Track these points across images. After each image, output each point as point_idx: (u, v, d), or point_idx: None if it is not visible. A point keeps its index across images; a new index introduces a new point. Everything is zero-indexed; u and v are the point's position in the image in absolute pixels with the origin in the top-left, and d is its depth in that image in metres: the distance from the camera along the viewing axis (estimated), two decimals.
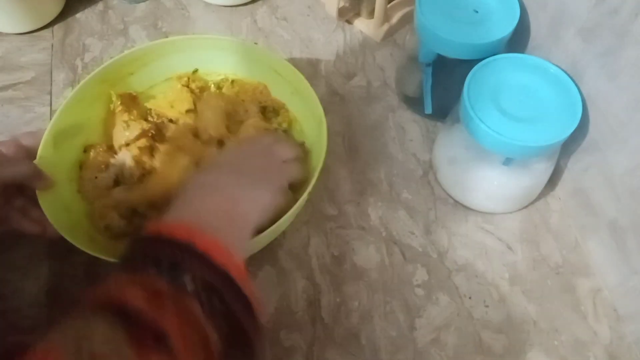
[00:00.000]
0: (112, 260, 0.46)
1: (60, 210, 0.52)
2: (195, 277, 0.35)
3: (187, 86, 0.61)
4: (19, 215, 0.52)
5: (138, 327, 0.32)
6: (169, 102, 0.60)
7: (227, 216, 0.41)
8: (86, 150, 0.58)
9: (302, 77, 0.56)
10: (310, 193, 0.51)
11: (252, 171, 0.47)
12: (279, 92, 0.61)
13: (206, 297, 0.35)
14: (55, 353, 0.31)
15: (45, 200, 0.50)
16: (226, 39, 0.62)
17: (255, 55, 0.61)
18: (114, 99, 0.58)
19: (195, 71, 0.63)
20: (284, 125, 0.60)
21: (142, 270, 0.35)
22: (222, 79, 0.63)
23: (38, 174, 0.51)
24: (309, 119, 0.58)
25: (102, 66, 0.58)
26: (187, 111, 0.60)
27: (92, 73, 0.58)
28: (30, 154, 0.52)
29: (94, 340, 0.31)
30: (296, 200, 0.50)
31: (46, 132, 0.53)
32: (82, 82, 0.57)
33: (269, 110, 0.62)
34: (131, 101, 0.60)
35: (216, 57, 0.62)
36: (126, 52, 0.60)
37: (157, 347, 0.32)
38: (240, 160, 0.48)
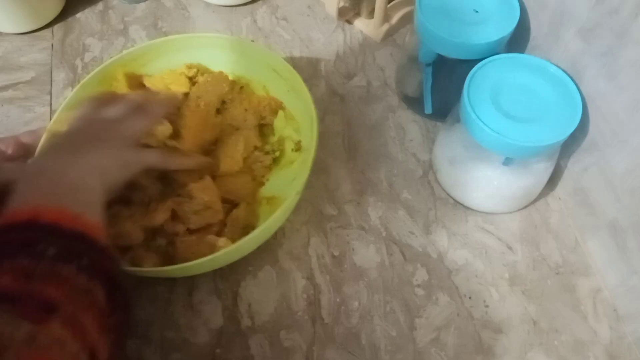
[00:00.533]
0: None
1: None
2: (50, 245, 0.36)
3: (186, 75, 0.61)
4: None
5: (21, 305, 0.32)
6: (166, 85, 0.60)
7: (62, 191, 0.41)
8: None
9: (297, 75, 0.57)
10: (301, 193, 0.51)
11: (87, 143, 0.46)
12: (276, 90, 0.62)
13: (70, 259, 0.36)
14: None
15: None
16: (223, 37, 0.62)
17: (253, 53, 0.61)
18: (119, 77, 0.58)
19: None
20: (277, 153, 0.61)
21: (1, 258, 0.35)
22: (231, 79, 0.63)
23: None
24: (305, 118, 0.58)
25: (102, 65, 0.58)
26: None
27: (93, 72, 0.58)
28: (29, 152, 0.52)
29: None
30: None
31: (46, 131, 0.53)
32: (82, 81, 0.57)
33: (267, 129, 0.62)
34: (137, 82, 0.60)
35: (215, 55, 0.62)
36: (125, 51, 0.60)
37: (52, 317, 0.33)
38: (76, 130, 0.47)
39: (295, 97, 0.59)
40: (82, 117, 0.49)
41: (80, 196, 0.41)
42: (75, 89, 0.57)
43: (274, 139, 0.62)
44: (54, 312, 0.33)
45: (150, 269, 0.51)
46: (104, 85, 0.59)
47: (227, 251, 0.49)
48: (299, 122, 0.60)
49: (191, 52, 0.62)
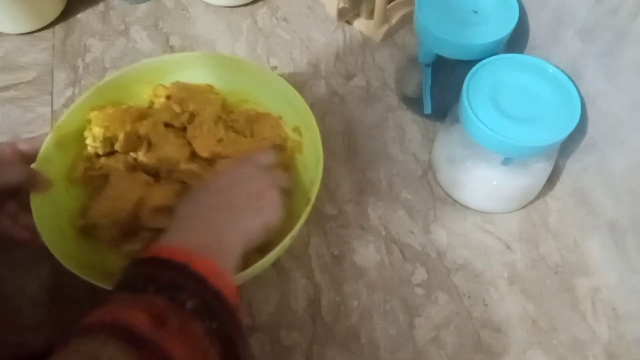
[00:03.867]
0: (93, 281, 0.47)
1: (51, 218, 0.51)
2: (192, 296, 0.37)
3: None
4: (9, 221, 0.51)
5: (144, 350, 0.33)
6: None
7: (215, 244, 0.43)
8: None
9: (310, 113, 0.55)
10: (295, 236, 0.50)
11: (234, 199, 0.47)
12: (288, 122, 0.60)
13: (204, 316, 0.37)
14: None
15: (37, 208, 0.49)
16: (242, 61, 0.61)
17: (269, 80, 0.59)
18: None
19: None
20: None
21: (142, 289, 0.37)
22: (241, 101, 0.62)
23: (32, 180, 0.50)
24: (311, 156, 0.56)
25: (122, 71, 0.57)
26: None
27: (109, 78, 0.57)
28: (26, 158, 0.52)
29: None
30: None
31: (54, 129, 0.53)
32: (98, 85, 0.56)
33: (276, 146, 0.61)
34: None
35: (235, 78, 0.60)
36: (145, 60, 0.58)
37: None
38: (228, 188, 0.48)
39: (305, 133, 0.57)
40: (228, 176, 0.50)
41: (227, 256, 0.43)
42: (87, 93, 0.55)
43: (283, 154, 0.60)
44: None
45: None
46: (118, 92, 0.58)
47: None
48: (305, 158, 0.58)
49: (208, 71, 0.60)
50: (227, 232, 0.44)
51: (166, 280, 0.37)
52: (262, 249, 0.48)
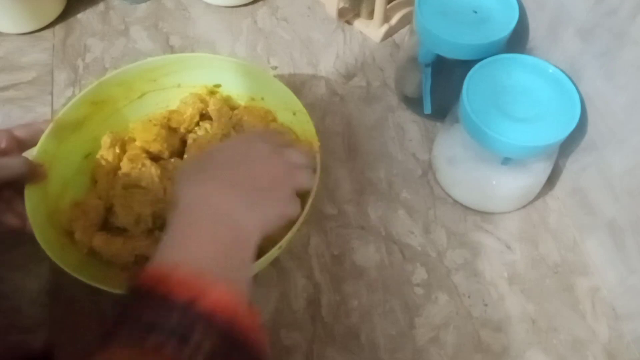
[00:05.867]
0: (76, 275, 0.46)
1: (42, 207, 0.51)
2: (202, 344, 0.31)
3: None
4: (3, 206, 0.51)
5: None
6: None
7: (229, 252, 0.37)
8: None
9: (312, 125, 0.54)
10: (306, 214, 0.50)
11: (255, 181, 0.41)
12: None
13: None
14: None
15: (30, 196, 0.50)
16: (245, 64, 0.60)
17: (269, 83, 0.59)
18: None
19: (217, 86, 0.62)
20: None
21: (144, 339, 0.31)
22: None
23: (30, 171, 0.50)
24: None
25: (125, 68, 0.57)
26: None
27: (112, 74, 0.57)
28: (23, 146, 0.52)
29: None
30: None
31: (54, 121, 0.53)
32: (100, 80, 0.56)
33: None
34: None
35: (234, 79, 0.61)
36: (150, 59, 0.58)
37: None
38: (241, 164, 0.41)
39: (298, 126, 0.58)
40: (263, 143, 0.44)
41: (239, 267, 0.37)
42: (90, 87, 0.56)
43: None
44: None
45: None
46: (120, 89, 0.58)
47: None
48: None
49: (214, 72, 0.60)
50: (243, 224, 0.37)
51: (174, 321, 0.31)
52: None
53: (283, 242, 0.47)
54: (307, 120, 0.55)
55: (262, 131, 0.54)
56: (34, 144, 0.52)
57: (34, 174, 0.50)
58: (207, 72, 0.60)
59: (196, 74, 0.60)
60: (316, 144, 0.53)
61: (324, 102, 0.68)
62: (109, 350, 0.31)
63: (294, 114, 0.57)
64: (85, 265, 0.51)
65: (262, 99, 0.61)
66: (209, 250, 0.36)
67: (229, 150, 0.44)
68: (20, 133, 0.52)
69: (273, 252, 0.47)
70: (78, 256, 0.52)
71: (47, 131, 0.52)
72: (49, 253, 0.48)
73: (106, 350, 0.31)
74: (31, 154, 0.52)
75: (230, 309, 0.33)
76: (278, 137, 0.49)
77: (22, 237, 0.55)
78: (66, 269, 0.47)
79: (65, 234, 0.53)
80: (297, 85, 0.69)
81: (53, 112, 0.67)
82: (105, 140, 0.57)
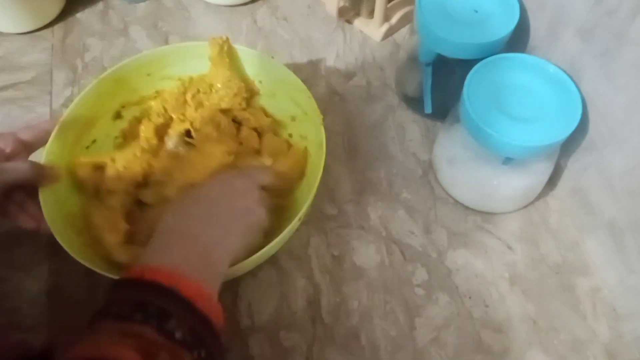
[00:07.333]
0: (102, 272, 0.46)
1: (56, 207, 0.51)
2: (181, 324, 0.36)
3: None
4: (17, 209, 0.52)
5: None
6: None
7: (203, 263, 0.42)
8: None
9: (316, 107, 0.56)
10: (304, 213, 0.51)
11: (224, 215, 0.46)
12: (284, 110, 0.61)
13: (194, 346, 0.36)
14: None
15: (45, 197, 0.50)
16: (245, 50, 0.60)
17: (272, 69, 0.60)
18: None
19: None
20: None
21: (129, 317, 0.36)
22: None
23: (39, 174, 0.50)
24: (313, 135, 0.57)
25: (120, 64, 0.58)
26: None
27: (109, 70, 0.57)
28: (29, 149, 0.52)
29: None
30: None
31: (59, 123, 0.53)
32: (99, 77, 0.56)
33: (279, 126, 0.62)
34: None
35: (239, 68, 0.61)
36: (145, 52, 0.59)
37: None
38: (219, 201, 0.47)
39: (304, 118, 0.59)
40: (220, 188, 0.49)
41: (214, 275, 0.42)
42: (90, 85, 0.56)
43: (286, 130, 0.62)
44: None
45: None
46: (118, 85, 0.58)
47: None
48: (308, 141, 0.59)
49: (206, 62, 0.60)
50: (215, 249, 0.43)
51: (154, 306, 0.36)
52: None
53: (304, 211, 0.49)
54: (308, 96, 0.56)
55: (228, 174, 0.55)
56: (40, 146, 0.53)
57: (43, 176, 0.51)
58: (204, 61, 0.60)
59: (193, 63, 0.60)
60: (319, 117, 0.54)
61: (324, 102, 0.67)
62: (99, 324, 0.36)
63: (294, 92, 0.58)
64: (112, 264, 0.51)
65: (260, 82, 0.61)
66: (188, 259, 0.41)
67: (210, 189, 0.49)
68: (25, 136, 0.52)
69: (270, 248, 0.48)
70: (102, 254, 0.52)
71: (52, 134, 0.53)
72: (76, 257, 0.47)
73: (97, 323, 0.36)
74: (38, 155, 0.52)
75: (205, 300, 0.38)
76: (259, 173, 0.53)
77: (22, 238, 0.56)
78: (96, 269, 0.47)
79: (79, 233, 0.53)
80: None
81: (52, 111, 0.67)
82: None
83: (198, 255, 0.42)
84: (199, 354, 0.36)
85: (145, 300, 0.36)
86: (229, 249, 0.44)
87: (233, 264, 0.45)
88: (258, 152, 0.60)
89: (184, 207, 0.47)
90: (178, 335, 0.35)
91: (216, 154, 0.56)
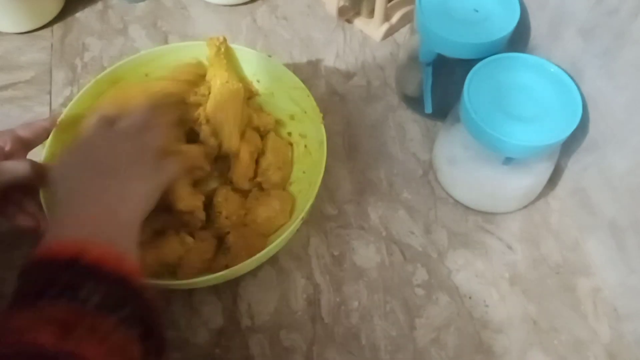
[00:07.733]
0: None
1: None
2: (94, 290, 0.35)
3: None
4: (15, 208, 0.51)
5: None
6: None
7: (111, 224, 0.41)
8: None
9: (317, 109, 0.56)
10: (305, 214, 0.51)
11: (117, 164, 0.44)
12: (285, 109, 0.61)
13: (112, 308, 0.35)
14: None
15: (46, 196, 0.50)
16: (245, 50, 0.61)
17: (271, 69, 0.60)
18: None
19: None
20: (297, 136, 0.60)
21: (39, 297, 0.35)
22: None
23: (37, 174, 0.50)
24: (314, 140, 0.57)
25: (118, 64, 0.58)
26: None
27: (107, 70, 0.57)
28: (27, 146, 0.52)
29: None
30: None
31: (58, 123, 0.53)
32: (97, 78, 0.56)
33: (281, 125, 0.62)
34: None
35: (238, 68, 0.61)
36: (142, 52, 0.59)
37: None
38: (106, 148, 0.46)
39: (308, 120, 0.59)
40: (98, 134, 0.47)
41: (124, 231, 0.41)
42: (88, 85, 0.56)
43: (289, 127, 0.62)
44: None
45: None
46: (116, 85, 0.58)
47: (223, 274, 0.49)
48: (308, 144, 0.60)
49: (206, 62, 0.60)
50: (120, 205, 0.42)
51: (62, 281, 0.35)
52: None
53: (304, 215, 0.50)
54: (307, 94, 0.56)
55: (140, 108, 0.52)
56: (39, 143, 0.53)
57: (42, 176, 0.50)
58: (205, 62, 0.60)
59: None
60: (319, 115, 0.54)
61: (324, 102, 0.67)
62: (9, 316, 0.34)
63: (293, 90, 0.58)
64: None
65: (258, 81, 0.61)
66: (93, 222, 0.40)
67: (95, 136, 0.47)
68: (23, 133, 0.51)
69: (282, 240, 0.49)
70: None
71: (51, 135, 0.53)
72: None
73: (7, 317, 0.35)
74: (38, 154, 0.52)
75: (115, 259, 0.37)
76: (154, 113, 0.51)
77: (20, 237, 0.56)
78: None
79: None
80: None
81: (51, 111, 0.67)
82: None
83: (101, 213, 0.41)
84: (120, 314, 0.35)
85: (52, 277, 0.35)
86: (134, 200, 0.43)
87: (151, 205, 0.44)
88: (262, 153, 0.59)
89: (72, 158, 0.45)
90: (93, 301, 0.35)
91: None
